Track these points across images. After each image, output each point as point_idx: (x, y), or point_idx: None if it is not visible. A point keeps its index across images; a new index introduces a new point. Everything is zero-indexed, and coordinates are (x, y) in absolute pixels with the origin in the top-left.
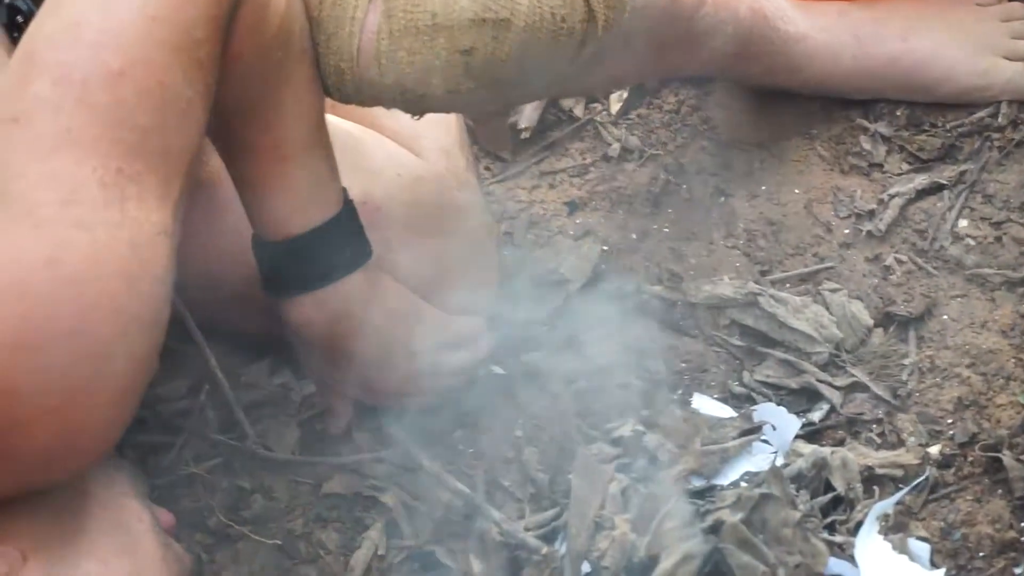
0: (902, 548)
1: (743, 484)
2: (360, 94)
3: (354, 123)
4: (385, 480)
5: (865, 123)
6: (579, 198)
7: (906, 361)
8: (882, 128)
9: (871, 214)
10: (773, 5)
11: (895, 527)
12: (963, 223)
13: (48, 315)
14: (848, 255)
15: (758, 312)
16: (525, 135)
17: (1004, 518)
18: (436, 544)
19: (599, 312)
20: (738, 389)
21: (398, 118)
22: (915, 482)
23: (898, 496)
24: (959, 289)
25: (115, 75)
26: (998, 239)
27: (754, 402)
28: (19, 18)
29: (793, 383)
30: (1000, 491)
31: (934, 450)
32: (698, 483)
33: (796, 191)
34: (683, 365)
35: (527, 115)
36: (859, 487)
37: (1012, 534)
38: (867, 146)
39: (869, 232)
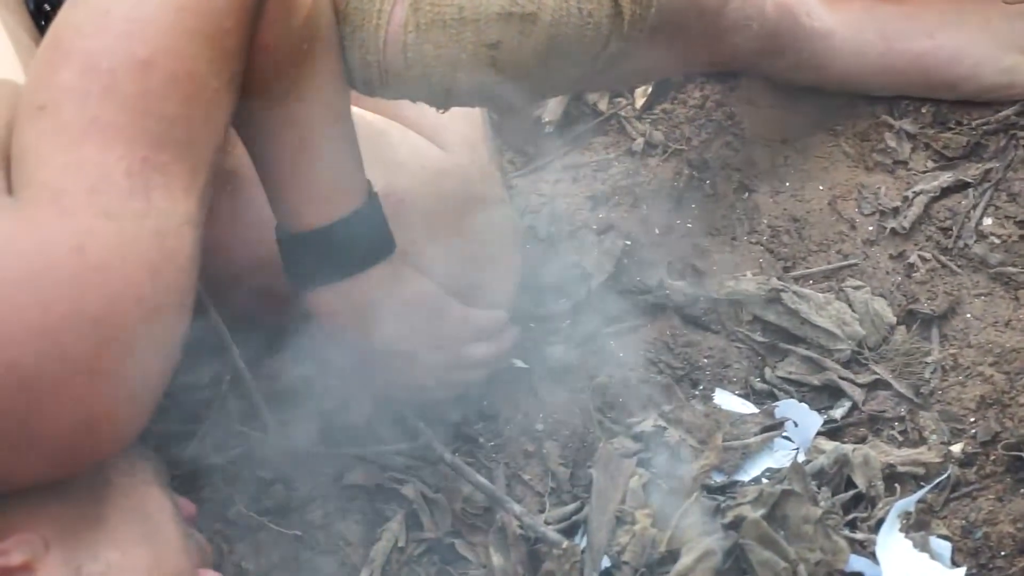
0: (923, 546)
1: (764, 480)
2: (386, 87)
3: (378, 115)
4: (406, 472)
5: (890, 120)
6: (602, 192)
7: (929, 359)
8: (907, 125)
9: (895, 211)
10: (798, 1)
11: (916, 525)
12: (987, 221)
13: (73, 303)
14: (872, 252)
15: (781, 308)
16: (549, 129)
17: None
18: (456, 537)
19: (621, 307)
20: (760, 385)
21: (422, 111)
22: (937, 480)
23: (920, 494)
24: (983, 287)
25: (142, 64)
26: (1022, 238)
27: (776, 398)
28: (47, 6)
29: (815, 380)
30: (1022, 490)
31: (956, 448)
32: (719, 479)
33: (820, 187)
34: (705, 361)
35: (551, 109)
36: (880, 484)
37: None
38: (892, 143)
39: (893, 229)
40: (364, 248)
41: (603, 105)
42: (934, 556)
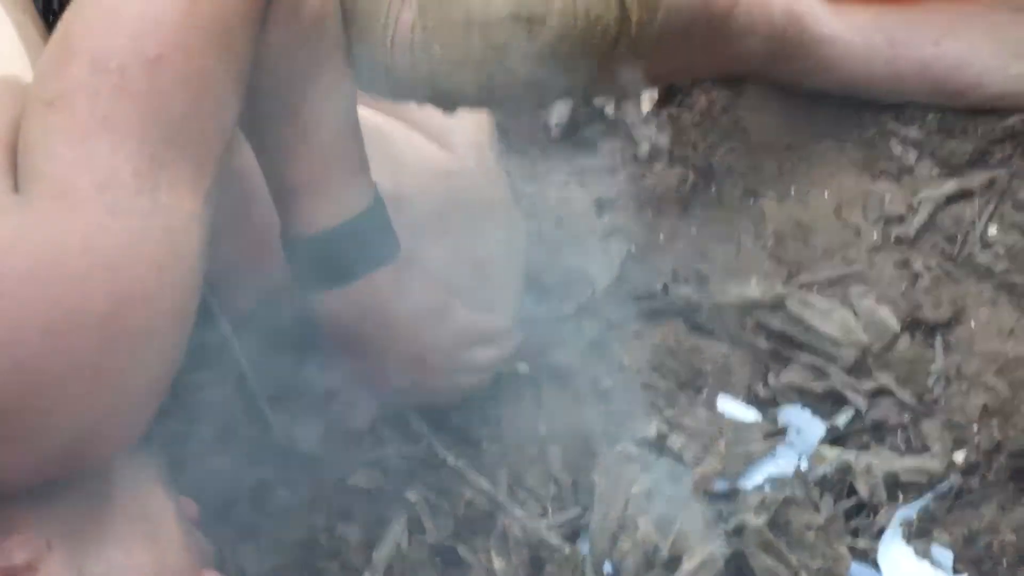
0: (925, 554)
1: (766, 487)
2: (392, 88)
3: (384, 116)
4: (408, 476)
5: (896, 127)
6: (608, 197)
7: (932, 367)
8: (913, 133)
9: (900, 219)
10: (807, 6)
11: (919, 533)
12: (992, 230)
13: (80, 300)
14: (876, 259)
15: (785, 315)
16: (555, 133)
17: None
18: (458, 541)
19: (625, 312)
20: (763, 392)
21: (429, 113)
22: (939, 488)
23: (922, 502)
24: (987, 296)
25: (152, 62)
26: None
27: (779, 405)
28: (55, 3)
29: (818, 387)
30: None
31: (959, 457)
32: (721, 485)
33: (825, 194)
34: (709, 367)
35: (558, 113)
36: (883, 492)
37: None
38: (897, 151)
39: (898, 237)
40: (370, 251)
41: (609, 110)
42: (936, 564)
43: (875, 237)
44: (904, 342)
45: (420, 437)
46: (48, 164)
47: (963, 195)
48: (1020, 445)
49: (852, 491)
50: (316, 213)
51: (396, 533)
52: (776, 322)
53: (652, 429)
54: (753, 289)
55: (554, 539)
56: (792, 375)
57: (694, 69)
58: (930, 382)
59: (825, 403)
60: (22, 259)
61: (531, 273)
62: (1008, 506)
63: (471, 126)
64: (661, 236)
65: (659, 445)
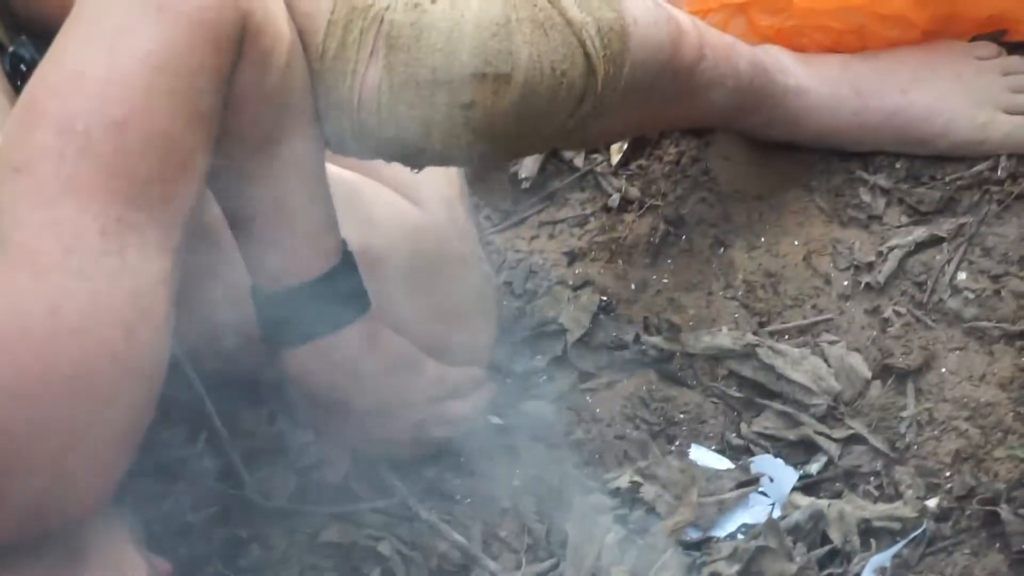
0: None
1: (740, 536)
2: (360, 146)
3: (353, 172)
4: (382, 530)
5: (864, 175)
6: (578, 248)
7: (904, 414)
8: (881, 180)
9: (870, 266)
10: (772, 58)
11: None
12: (962, 276)
13: (47, 364)
14: (847, 307)
15: (756, 363)
16: (525, 185)
17: (1001, 572)
18: None
19: (597, 362)
20: (736, 441)
21: (397, 167)
22: (912, 535)
23: (895, 549)
24: (957, 342)
25: (118, 125)
26: (997, 292)
27: (752, 454)
28: (23, 67)
29: (791, 435)
30: (998, 545)
31: (932, 503)
32: (695, 534)
33: (795, 243)
34: (681, 416)
35: (527, 166)
36: (856, 540)
37: None
38: (866, 198)
39: (868, 284)
40: (340, 307)
41: (579, 161)
42: None
43: (845, 284)
44: (875, 389)
45: (393, 491)
46: (14, 230)
47: (932, 242)
48: (992, 491)
49: (825, 539)
50: (285, 270)
51: None
52: (748, 371)
53: (625, 479)
54: (724, 338)
55: None
56: (764, 423)
57: (661, 122)
58: (902, 428)
59: (798, 451)
60: None
61: (503, 326)
62: (981, 552)
63: (441, 180)
64: (632, 286)
65: (632, 495)
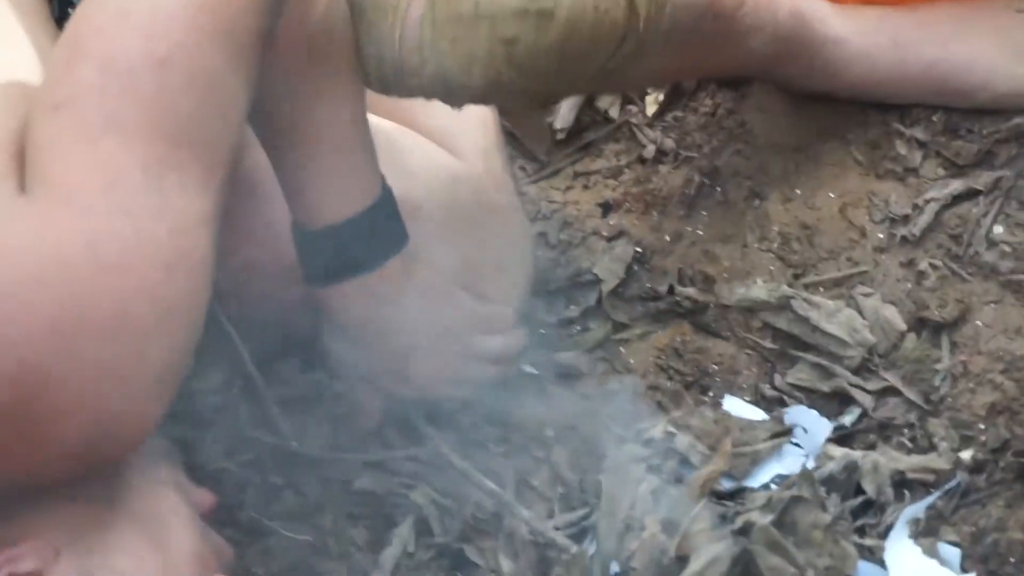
0: (932, 552)
1: (773, 486)
2: (401, 83)
3: (392, 122)
4: (415, 478)
5: (901, 128)
6: (613, 199)
7: (939, 366)
8: (918, 133)
9: (906, 219)
10: (812, 7)
11: (926, 531)
12: (998, 229)
13: (87, 301)
14: (882, 260)
15: (791, 315)
16: (560, 136)
17: None
18: (465, 542)
19: (631, 313)
20: (770, 392)
21: (436, 117)
22: (946, 487)
23: (929, 500)
24: (993, 295)
25: (161, 62)
26: None
27: (785, 405)
28: (70, 10)
29: (825, 387)
30: None
31: (966, 455)
32: (728, 485)
33: (831, 195)
34: (715, 367)
35: (563, 116)
36: (890, 491)
37: None
38: (903, 151)
39: (903, 237)
40: (381, 241)
41: (614, 112)
42: (943, 562)
43: (880, 237)
44: (910, 341)
45: (426, 439)
46: (55, 166)
47: (969, 195)
48: None
49: (859, 490)
50: (329, 208)
51: (403, 535)
52: (782, 322)
53: (659, 429)
54: (759, 290)
55: (561, 540)
56: (798, 375)
57: (700, 69)
58: (936, 381)
59: (832, 403)
60: (28, 261)
61: (538, 276)
62: (1015, 504)
63: (478, 131)
64: (667, 238)
65: (665, 445)
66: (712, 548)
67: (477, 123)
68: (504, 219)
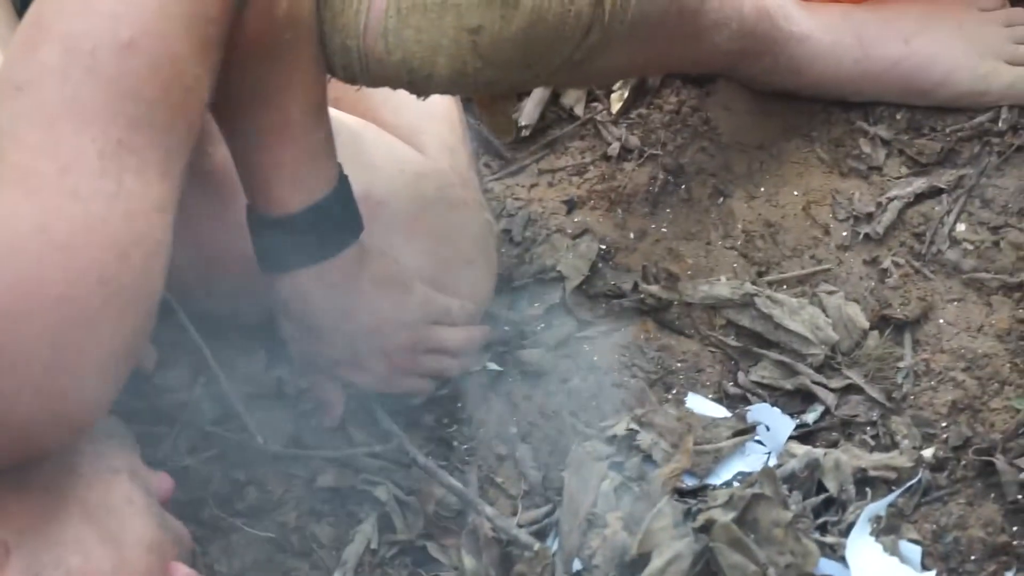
0: (893, 550)
1: (736, 484)
2: (366, 73)
3: (356, 118)
4: (378, 474)
5: (865, 126)
6: (578, 196)
7: (901, 364)
8: (882, 131)
9: (869, 217)
10: (777, 4)
11: (887, 529)
12: (961, 227)
13: (36, 282)
14: (845, 258)
15: (754, 313)
16: (525, 132)
17: (996, 522)
18: (428, 539)
19: (595, 310)
20: (733, 390)
21: (401, 114)
22: (908, 484)
23: (890, 498)
24: (956, 293)
25: (125, 46)
26: (996, 244)
27: (749, 403)
28: None
29: (788, 384)
30: (993, 495)
31: (928, 453)
32: (691, 482)
33: (795, 193)
34: (678, 365)
35: (527, 112)
36: (852, 489)
37: (1004, 538)
38: (867, 149)
39: (867, 235)
40: (336, 230)
41: (579, 109)
42: (904, 560)
43: (844, 235)
44: (873, 339)
45: (390, 436)
46: (13, 149)
47: (932, 193)
48: (988, 441)
49: (821, 488)
50: (285, 196)
51: (366, 532)
52: (745, 320)
53: (622, 427)
54: (722, 287)
55: (524, 537)
56: (761, 372)
57: (665, 63)
58: (899, 379)
59: (794, 400)
60: None
61: (501, 272)
62: (976, 502)
63: (443, 127)
64: (631, 235)
65: (629, 443)
66: (674, 545)
67: (442, 119)
68: (468, 215)
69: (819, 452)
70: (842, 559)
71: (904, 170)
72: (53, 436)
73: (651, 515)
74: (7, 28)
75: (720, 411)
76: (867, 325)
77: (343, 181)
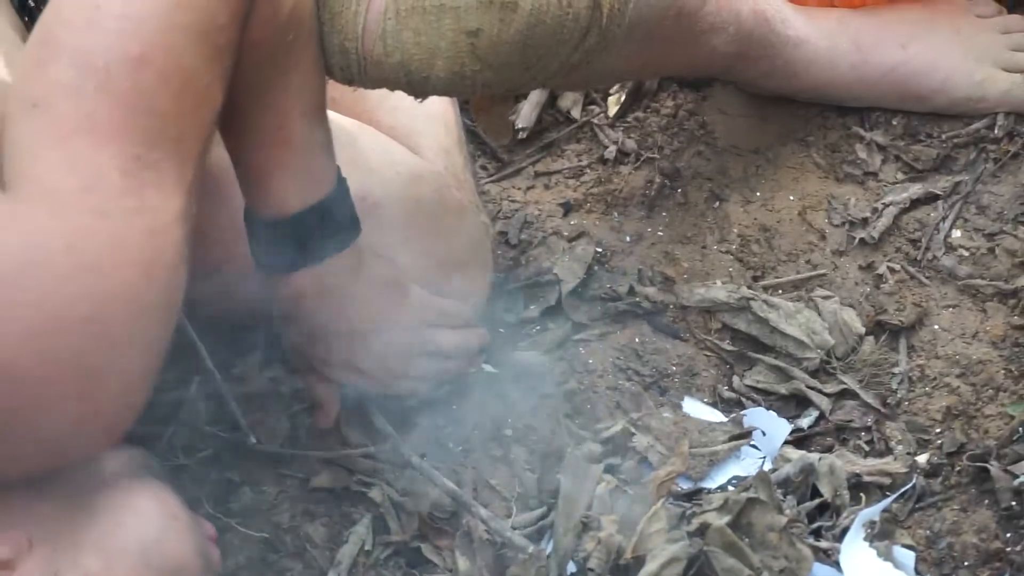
0: (887, 555)
1: (730, 488)
2: (364, 75)
3: (353, 120)
4: (373, 475)
5: (861, 132)
6: (574, 199)
7: (896, 370)
8: (878, 137)
9: (865, 222)
10: (775, 8)
11: (881, 534)
12: (956, 234)
13: (65, 302)
14: (841, 263)
15: (750, 316)
16: (522, 135)
17: (990, 528)
18: (422, 540)
19: (591, 313)
20: (728, 394)
21: (398, 116)
22: (902, 490)
23: (884, 503)
24: (951, 299)
25: (136, 61)
26: (991, 250)
27: (743, 407)
28: (31, 1)
29: (783, 389)
30: (987, 501)
31: (922, 459)
32: (686, 486)
33: (791, 198)
34: (674, 368)
35: (524, 115)
36: (846, 494)
37: (997, 544)
38: (863, 154)
39: (862, 240)
40: (333, 234)
41: (576, 112)
42: (898, 565)
43: (839, 240)
44: (868, 345)
45: (385, 437)
46: (33, 165)
47: (927, 199)
48: (982, 447)
49: (815, 492)
50: (283, 198)
51: (360, 533)
52: (741, 324)
53: (617, 430)
54: (719, 291)
55: (518, 539)
56: (756, 377)
57: (663, 66)
58: (894, 384)
59: (789, 405)
60: (6, 261)
61: (498, 275)
62: (970, 508)
63: (440, 130)
64: (627, 238)
65: (624, 446)
66: (668, 549)
67: (439, 122)
68: (464, 217)
69: (814, 457)
70: (836, 564)
71: (900, 176)
72: (79, 450)
73: (646, 518)
74: (7, 26)
75: (716, 415)
76: (863, 330)
77: (341, 183)
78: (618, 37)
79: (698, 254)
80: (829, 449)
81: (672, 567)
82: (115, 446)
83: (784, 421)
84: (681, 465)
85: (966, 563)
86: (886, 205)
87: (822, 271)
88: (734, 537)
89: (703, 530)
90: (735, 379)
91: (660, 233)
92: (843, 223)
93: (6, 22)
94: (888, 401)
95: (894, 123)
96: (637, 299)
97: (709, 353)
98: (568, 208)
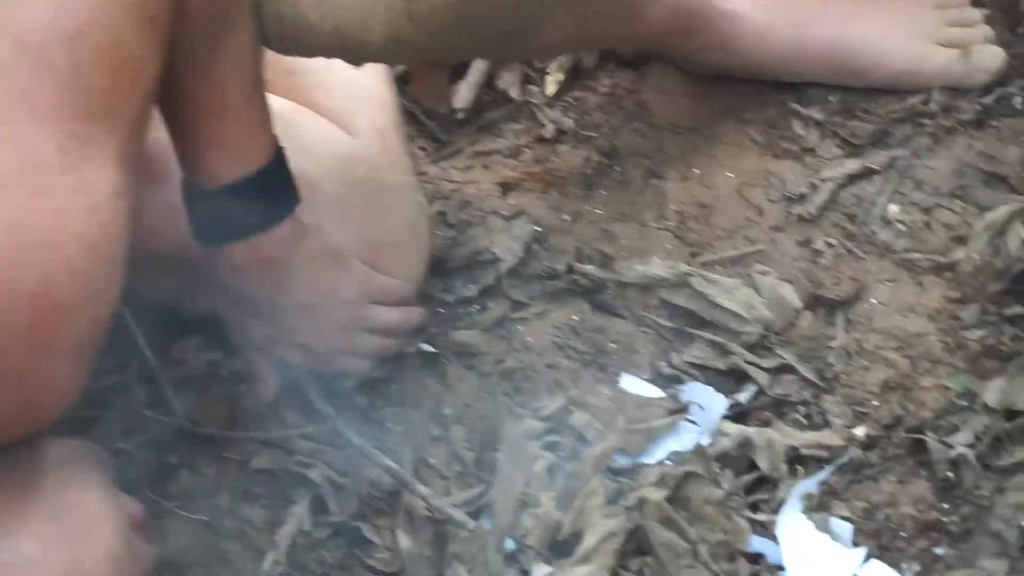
0: (824, 527)
1: (667, 463)
2: (300, 42)
3: (288, 101)
4: (312, 456)
5: (799, 108)
6: (513, 179)
7: (833, 344)
8: (815, 113)
9: (802, 198)
10: None
11: (818, 507)
12: (893, 208)
13: (10, 280)
14: (779, 238)
15: (689, 292)
16: (460, 115)
17: (926, 499)
18: (362, 520)
19: (530, 292)
20: (667, 370)
21: (333, 97)
22: (839, 462)
23: (822, 476)
24: (888, 273)
25: (72, 37)
26: (927, 224)
27: (683, 383)
28: None
29: (721, 364)
30: (923, 473)
31: (859, 432)
32: (624, 461)
33: (728, 174)
34: (613, 346)
35: (462, 95)
36: (783, 467)
37: (934, 515)
38: (800, 131)
39: (800, 216)
40: (273, 202)
41: (514, 92)
42: (835, 537)
43: (777, 216)
44: (806, 319)
45: (324, 417)
46: None
47: (864, 174)
48: (919, 419)
49: (753, 466)
50: (224, 168)
51: (299, 514)
52: (680, 299)
53: (556, 407)
54: (657, 267)
55: (458, 516)
56: (695, 353)
57: (600, 38)
58: (831, 358)
59: (728, 380)
60: None
61: (436, 255)
62: (907, 480)
63: (376, 110)
64: (565, 217)
65: (562, 423)
66: (606, 524)
67: (375, 102)
68: (400, 198)
69: (751, 431)
70: (773, 536)
71: (837, 151)
72: (23, 426)
73: (583, 494)
74: None
75: (654, 391)
76: (800, 305)
77: (279, 153)
78: (555, 7)
79: (636, 231)
80: (767, 423)
81: (610, 542)
82: (58, 431)
83: (721, 396)
84: (617, 440)
85: (903, 534)
86: (823, 181)
87: (760, 247)
88: (671, 511)
89: (640, 505)
90: (674, 355)
91: (598, 211)
92: (780, 199)
93: None
94: (826, 375)
95: (831, 99)
96: (576, 277)
97: (648, 330)
98: (506, 187)
